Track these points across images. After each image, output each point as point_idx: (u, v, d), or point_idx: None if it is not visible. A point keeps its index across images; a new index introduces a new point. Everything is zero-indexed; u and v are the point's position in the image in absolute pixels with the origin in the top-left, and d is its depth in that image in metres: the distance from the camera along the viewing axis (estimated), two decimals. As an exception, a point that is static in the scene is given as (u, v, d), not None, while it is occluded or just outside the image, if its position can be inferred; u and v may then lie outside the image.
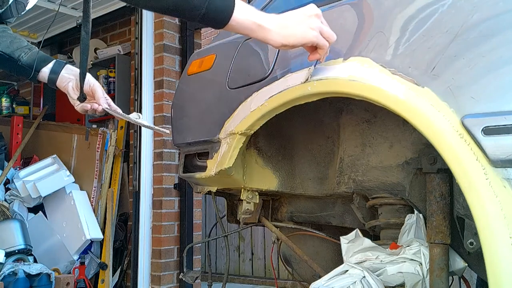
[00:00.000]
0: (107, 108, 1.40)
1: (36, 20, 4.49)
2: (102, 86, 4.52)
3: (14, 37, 1.45)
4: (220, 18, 1.08)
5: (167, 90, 3.81)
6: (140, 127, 3.80)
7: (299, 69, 1.30)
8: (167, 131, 1.46)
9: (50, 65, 1.42)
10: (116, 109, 1.43)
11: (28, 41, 1.47)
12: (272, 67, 1.38)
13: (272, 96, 1.34)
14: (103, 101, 1.40)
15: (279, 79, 1.34)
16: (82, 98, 1.39)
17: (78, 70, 1.42)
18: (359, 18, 1.26)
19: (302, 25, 1.11)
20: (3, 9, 1.36)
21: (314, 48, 1.15)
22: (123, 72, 4.27)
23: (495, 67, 0.97)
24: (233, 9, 1.08)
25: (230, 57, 1.54)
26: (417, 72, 1.07)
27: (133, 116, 1.41)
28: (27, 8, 1.43)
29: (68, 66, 1.44)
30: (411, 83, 1.07)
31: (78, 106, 1.42)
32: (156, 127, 1.47)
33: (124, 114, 1.42)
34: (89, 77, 1.41)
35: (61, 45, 5.07)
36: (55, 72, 1.41)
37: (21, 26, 4.59)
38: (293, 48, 1.15)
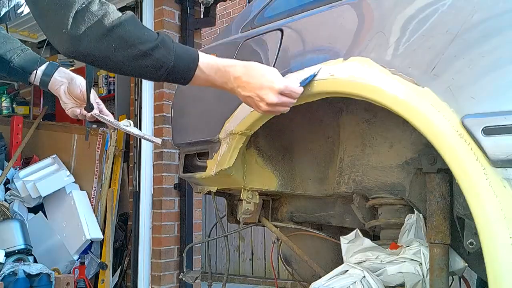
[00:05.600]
0: (95, 114, 1.38)
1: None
2: (102, 86, 4.54)
3: (7, 37, 1.41)
4: (180, 83, 1.16)
5: (167, 90, 3.81)
6: (140, 127, 3.80)
7: (299, 69, 1.30)
8: (159, 141, 1.44)
9: (43, 67, 1.39)
10: (106, 115, 1.40)
11: (27, 41, 1.46)
12: (272, 67, 1.38)
13: (272, 96, 1.33)
14: (94, 106, 1.38)
15: (279, 79, 1.34)
16: (90, 108, 1.37)
17: (71, 73, 1.40)
18: (359, 18, 1.26)
19: (259, 97, 1.17)
20: (6, 10, 1.35)
21: None
22: (123, 72, 4.26)
23: (495, 67, 0.97)
24: (192, 76, 1.14)
25: (230, 57, 1.54)
26: (417, 72, 1.07)
27: (123, 124, 1.38)
28: (25, 13, 1.42)
29: (61, 68, 1.41)
30: (411, 83, 1.07)
31: (69, 110, 1.40)
32: (147, 136, 1.45)
33: (114, 121, 1.39)
34: (81, 80, 1.38)
35: (61, 45, 5.06)
36: (47, 75, 1.39)
37: (21, 26, 4.58)
38: None
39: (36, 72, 1.38)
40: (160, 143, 1.46)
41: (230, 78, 1.16)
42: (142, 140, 3.78)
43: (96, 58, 1.04)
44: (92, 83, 1.35)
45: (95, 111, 1.38)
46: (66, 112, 1.41)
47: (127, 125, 1.39)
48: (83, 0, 1.00)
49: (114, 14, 1.03)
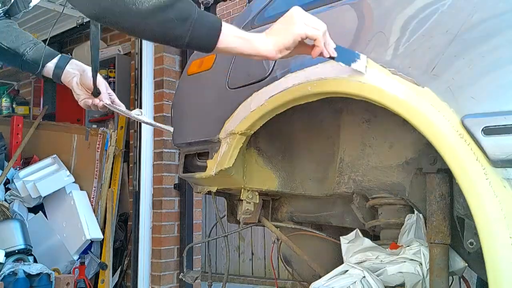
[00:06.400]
0: (108, 104, 1.40)
1: (36, 20, 4.49)
2: (103, 86, 4.51)
3: (20, 32, 1.45)
4: (205, 45, 1.08)
5: (167, 90, 3.81)
6: (140, 127, 3.80)
7: (299, 69, 1.30)
8: (170, 128, 1.45)
9: (55, 60, 1.42)
10: (118, 106, 1.43)
11: None
12: (272, 67, 1.38)
13: (272, 96, 1.34)
14: (105, 96, 1.41)
15: (279, 79, 1.34)
16: (96, 93, 1.39)
17: (83, 65, 1.43)
18: (359, 18, 1.26)
19: (286, 26, 1.08)
20: (10, 3, 1.37)
21: (311, 46, 1.11)
22: (123, 72, 4.27)
23: (495, 67, 0.97)
24: (218, 35, 1.06)
25: (230, 57, 1.54)
26: (417, 72, 1.07)
27: (135, 113, 1.41)
28: (32, 4, 1.44)
29: (73, 61, 1.44)
30: (411, 83, 1.07)
31: (81, 101, 1.42)
32: (157, 124, 1.47)
33: (126, 110, 1.43)
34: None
35: (61, 45, 5.07)
36: (59, 67, 1.41)
37: (21, 26, 4.54)
38: (289, 52, 1.11)
39: (42, 64, 1.39)
40: (172, 131, 1.47)
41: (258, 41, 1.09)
42: (142, 140, 3.78)
43: (117, 15, 1.01)
44: (98, 68, 1.37)
45: (107, 101, 1.40)
46: (79, 103, 1.43)
47: (138, 114, 1.41)
48: None
49: None
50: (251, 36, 1.09)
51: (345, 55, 1.13)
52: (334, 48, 1.12)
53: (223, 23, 1.07)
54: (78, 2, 1.04)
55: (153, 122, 1.49)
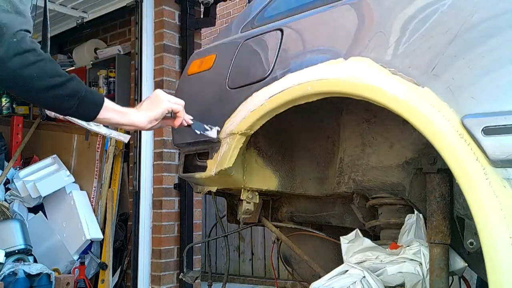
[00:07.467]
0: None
1: (36, 20, 4.49)
2: (102, 86, 4.53)
3: None
4: (87, 117, 1.29)
5: (167, 90, 3.80)
6: (140, 127, 3.79)
7: (299, 69, 1.30)
8: (125, 139, 1.56)
9: None
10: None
11: None
12: (272, 67, 1.38)
13: (272, 96, 1.34)
14: None
15: (279, 79, 1.34)
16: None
17: None
18: (359, 18, 1.26)
19: (155, 103, 1.38)
20: None
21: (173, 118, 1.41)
22: (123, 72, 4.27)
23: (495, 67, 0.97)
24: (99, 110, 1.27)
25: (230, 57, 1.54)
26: (417, 72, 1.07)
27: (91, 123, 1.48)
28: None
29: None
30: (411, 83, 1.07)
31: None
32: (115, 133, 1.55)
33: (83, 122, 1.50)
34: None
35: (61, 45, 5.07)
36: None
37: (21, 26, 4.57)
38: (157, 123, 1.40)
39: None
40: (125, 140, 1.60)
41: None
42: (142, 140, 3.77)
43: (17, 82, 1.17)
44: (48, 40, 1.48)
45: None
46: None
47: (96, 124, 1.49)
48: (16, 35, 1.15)
49: (39, 51, 1.20)
50: (127, 111, 1.35)
51: (200, 126, 1.46)
52: (191, 120, 1.44)
53: (106, 100, 1.29)
54: None
55: (109, 131, 1.59)
